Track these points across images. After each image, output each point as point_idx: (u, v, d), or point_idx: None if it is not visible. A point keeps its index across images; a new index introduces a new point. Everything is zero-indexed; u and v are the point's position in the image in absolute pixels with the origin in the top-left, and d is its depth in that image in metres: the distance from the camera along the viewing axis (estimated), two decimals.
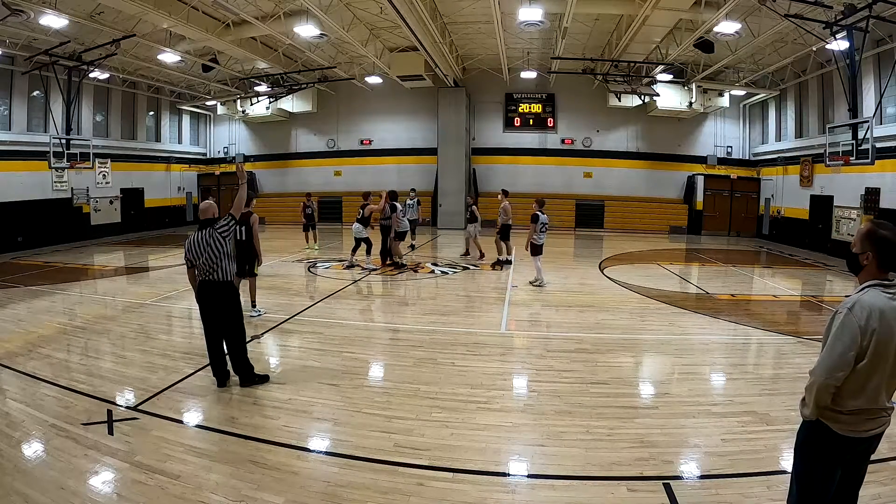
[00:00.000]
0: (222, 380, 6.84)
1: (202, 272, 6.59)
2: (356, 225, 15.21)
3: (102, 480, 4.71)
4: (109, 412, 5.98)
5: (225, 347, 6.85)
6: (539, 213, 13.30)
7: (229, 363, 6.90)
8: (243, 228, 9.82)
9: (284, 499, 4.44)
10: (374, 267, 15.49)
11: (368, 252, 15.73)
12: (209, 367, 6.96)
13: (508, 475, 4.94)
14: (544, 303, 11.93)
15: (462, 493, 4.55)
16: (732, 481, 4.68)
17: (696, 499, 4.47)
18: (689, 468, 5.04)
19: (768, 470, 4.87)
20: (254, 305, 10.44)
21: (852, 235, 16.88)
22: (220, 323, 6.73)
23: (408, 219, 17.13)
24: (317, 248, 19.43)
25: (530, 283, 13.63)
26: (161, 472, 4.78)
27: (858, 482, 3.26)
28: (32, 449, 5.26)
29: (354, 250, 15.70)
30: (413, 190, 20.80)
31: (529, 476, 4.93)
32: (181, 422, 5.93)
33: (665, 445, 5.39)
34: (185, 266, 6.80)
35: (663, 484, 4.63)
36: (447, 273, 15.41)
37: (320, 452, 5.35)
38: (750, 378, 7.49)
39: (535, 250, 13.50)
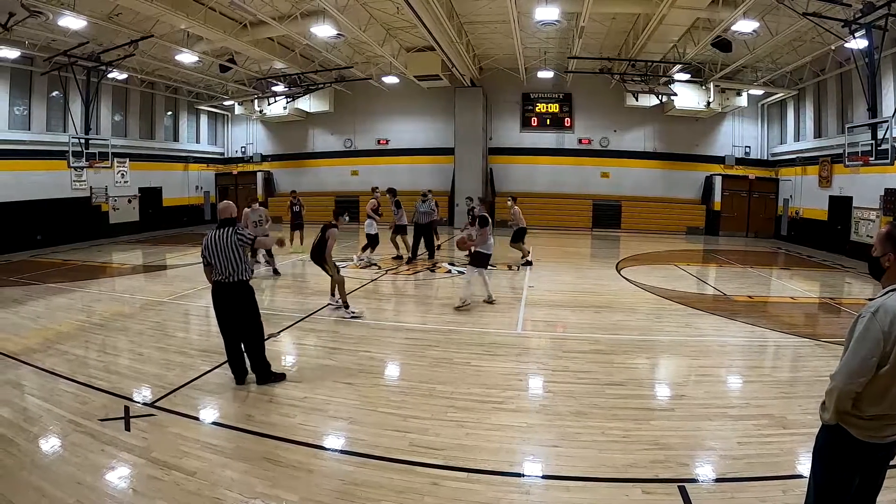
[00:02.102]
0: (240, 377, 6.89)
1: (217, 273, 6.65)
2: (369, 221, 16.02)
3: (118, 476, 4.76)
4: (126, 408, 6.04)
5: (243, 346, 6.90)
6: (487, 216, 11.73)
7: (247, 361, 6.96)
8: (320, 235, 10.39)
9: (299, 496, 4.46)
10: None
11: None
12: (226, 365, 7.02)
13: (523, 476, 4.94)
14: (560, 303, 11.88)
15: (476, 493, 4.56)
16: (748, 485, 4.65)
17: (712, 502, 4.43)
18: (705, 471, 5.00)
19: (785, 474, 4.83)
20: (347, 307, 10.50)
21: (871, 237, 16.65)
22: (237, 322, 6.78)
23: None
24: (302, 249, 18.81)
25: (485, 301, 11.60)
26: (177, 469, 4.82)
27: (877, 488, 3.22)
28: (50, 444, 5.33)
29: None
30: (429, 191, 19.29)
31: (544, 477, 4.92)
32: (197, 419, 5.98)
33: (680, 448, 5.36)
34: (202, 263, 6.84)
35: (678, 487, 4.61)
36: (464, 273, 15.38)
37: (335, 451, 5.37)
38: (767, 381, 7.43)
39: (482, 260, 11.57)
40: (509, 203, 17.05)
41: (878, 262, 3.08)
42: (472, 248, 11.53)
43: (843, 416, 3.02)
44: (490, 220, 11.71)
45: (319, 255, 10.43)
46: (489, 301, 11.58)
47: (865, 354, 2.87)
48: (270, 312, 10.86)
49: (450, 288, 13.79)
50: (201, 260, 6.82)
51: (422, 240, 17.34)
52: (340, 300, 10.61)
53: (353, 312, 10.44)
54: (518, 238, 16.90)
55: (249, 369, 6.97)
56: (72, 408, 6.09)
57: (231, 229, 6.61)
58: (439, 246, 19.72)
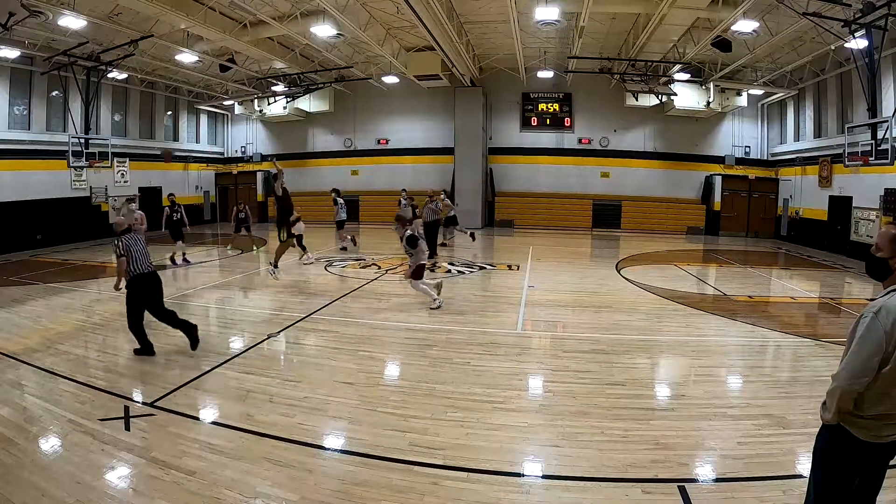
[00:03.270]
0: (151, 349, 8.01)
1: (138, 267, 7.84)
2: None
3: (118, 475, 4.76)
4: (126, 408, 6.04)
5: (169, 321, 8.15)
6: (411, 231, 11.34)
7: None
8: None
9: (299, 496, 4.46)
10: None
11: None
12: (226, 365, 7.14)
13: (523, 475, 4.94)
14: (560, 303, 11.87)
15: (476, 493, 4.55)
16: (748, 485, 4.65)
17: (711, 502, 4.44)
18: (705, 471, 5.01)
19: (784, 474, 4.83)
20: (276, 267, 12.91)
21: (871, 237, 16.61)
22: (154, 303, 8.05)
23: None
24: (230, 250, 19.68)
25: (433, 308, 11.13)
26: (176, 468, 4.82)
27: (877, 488, 3.22)
28: (50, 444, 5.33)
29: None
30: (404, 190, 21.73)
31: (544, 477, 4.93)
32: (197, 418, 5.98)
33: (680, 448, 5.36)
34: (118, 257, 7.88)
35: (678, 486, 4.61)
36: (464, 273, 15.41)
37: (335, 450, 5.37)
38: (767, 381, 7.43)
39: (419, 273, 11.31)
40: (441, 197, 19.63)
41: (880, 263, 3.07)
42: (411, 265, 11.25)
43: (844, 416, 3.02)
44: (418, 239, 11.33)
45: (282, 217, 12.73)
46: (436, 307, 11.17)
47: (868, 355, 2.86)
48: (271, 312, 10.91)
49: (449, 287, 13.78)
50: (120, 255, 7.86)
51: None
52: (275, 259, 12.93)
53: (276, 273, 12.73)
54: (450, 223, 20.55)
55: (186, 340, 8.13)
56: (72, 407, 6.09)
57: (138, 235, 8.16)
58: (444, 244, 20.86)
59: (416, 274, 11.19)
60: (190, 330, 8.11)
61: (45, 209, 21.02)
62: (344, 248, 19.21)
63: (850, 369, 2.92)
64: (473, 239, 20.31)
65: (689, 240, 25.67)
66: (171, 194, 18.30)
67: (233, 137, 33.95)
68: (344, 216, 19.79)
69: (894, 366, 2.84)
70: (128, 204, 14.06)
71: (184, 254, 16.79)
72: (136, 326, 7.95)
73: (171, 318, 8.11)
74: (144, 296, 7.94)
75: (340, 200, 19.53)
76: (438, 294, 11.27)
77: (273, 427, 5.70)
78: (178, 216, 16.92)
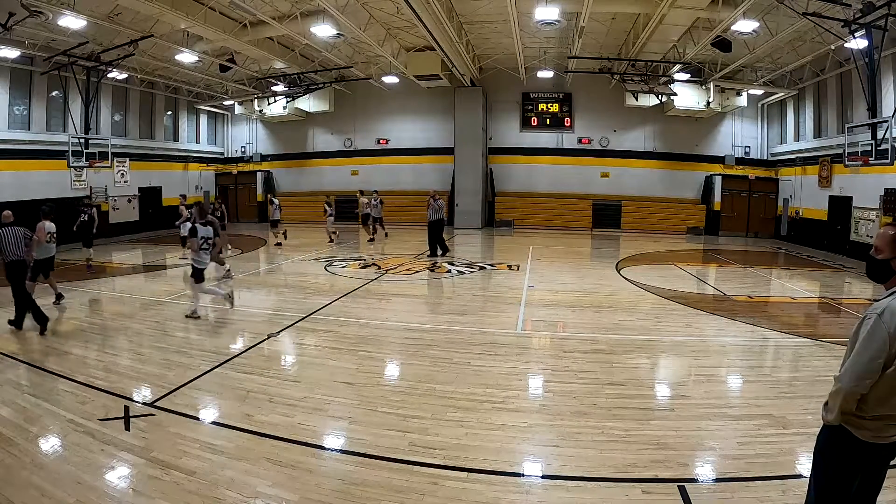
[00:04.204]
0: (20, 325, 9.24)
1: (9, 255, 9.22)
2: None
3: (118, 475, 4.76)
4: (126, 408, 6.03)
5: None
6: (198, 225, 10.27)
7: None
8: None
9: (299, 496, 4.45)
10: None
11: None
12: (226, 364, 7.15)
13: (523, 475, 4.94)
14: (560, 303, 11.87)
15: (476, 493, 4.55)
16: (748, 485, 4.64)
17: (711, 502, 4.43)
18: (705, 471, 5.01)
19: (784, 474, 4.82)
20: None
21: (871, 237, 16.61)
22: (17, 284, 9.26)
23: (372, 215, 22.68)
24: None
25: (187, 316, 10.22)
26: (176, 468, 4.82)
27: (877, 488, 3.21)
28: (50, 444, 5.33)
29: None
30: (375, 191, 23.95)
31: (544, 477, 4.92)
32: (197, 418, 5.98)
33: (680, 448, 5.35)
34: None
35: (678, 486, 4.60)
36: (464, 273, 15.41)
37: (335, 450, 5.37)
38: (767, 381, 7.42)
39: (198, 276, 10.23)
40: (360, 195, 23.52)
41: (881, 265, 3.07)
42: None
43: (846, 417, 3.01)
44: (198, 229, 10.17)
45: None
46: (194, 315, 10.19)
47: (871, 356, 2.86)
48: (271, 312, 10.90)
49: (449, 287, 13.80)
50: None
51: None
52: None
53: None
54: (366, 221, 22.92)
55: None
56: (72, 408, 6.09)
57: (18, 228, 9.42)
58: (372, 239, 22.76)
59: (196, 276, 10.16)
60: (40, 319, 9.11)
61: None
62: (279, 244, 20.97)
63: (854, 371, 2.92)
64: (332, 241, 21.81)
65: (689, 240, 25.68)
66: (86, 197, 18.26)
67: (233, 137, 33.97)
68: (278, 216, 21.92)
69: None
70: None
71: (88, 260, 16.02)
72: (21, 305, 9.31)
73: (25, 302, 9.28)
74: (12, 277, 9.28)
75: (276, 201, 21.64)
76: (227, 301, 10.71)
77: (273, 427, 5.70)
78: (86, 219, 16.08)
